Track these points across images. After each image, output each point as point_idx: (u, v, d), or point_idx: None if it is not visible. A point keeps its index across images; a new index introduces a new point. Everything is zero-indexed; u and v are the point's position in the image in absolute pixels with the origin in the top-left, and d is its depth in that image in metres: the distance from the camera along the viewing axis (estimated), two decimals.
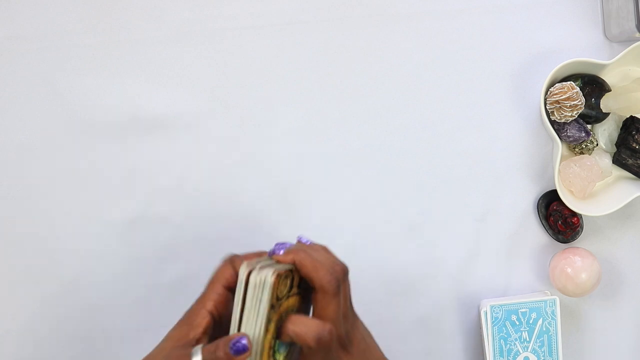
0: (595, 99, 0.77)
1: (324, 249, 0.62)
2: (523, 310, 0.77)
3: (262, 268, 0.57)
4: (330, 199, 0.80)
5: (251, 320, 0.56)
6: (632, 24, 0.74)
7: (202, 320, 0.58)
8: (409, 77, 0.80)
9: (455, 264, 0.81)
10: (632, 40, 0.77)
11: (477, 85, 0.80)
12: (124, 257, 0.80)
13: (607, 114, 0.78)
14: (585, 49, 0.80)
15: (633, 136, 0.77)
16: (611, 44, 0.80)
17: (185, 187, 0.80)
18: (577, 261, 0.77)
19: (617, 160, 0.78)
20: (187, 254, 0.80)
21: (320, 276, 0.58)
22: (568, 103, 0.74)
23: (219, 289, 0.59)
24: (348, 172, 0.80)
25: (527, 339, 0.77)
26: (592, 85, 0.77)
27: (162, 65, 0.80)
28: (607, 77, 0.78)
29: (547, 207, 0.80)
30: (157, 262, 0.80)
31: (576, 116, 0.76)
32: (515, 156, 0.81)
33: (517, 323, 0.77)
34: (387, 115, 0.80)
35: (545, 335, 0.77)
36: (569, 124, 0.77)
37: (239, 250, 0.63)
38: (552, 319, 0.77)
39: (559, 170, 0.77)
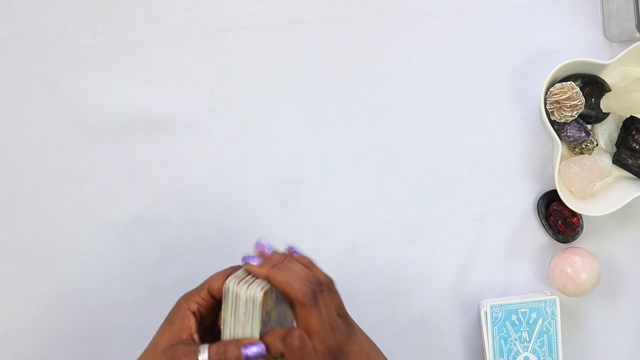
0: (595, 99, 0.77)
1: (306, 262, 0.62)
2: (523, 310, 0.77)
3: (249, 284, 0.58)
4: (330, 198, 0.80)
5: (240, 335, 0.58)
6: (632, 24, 0.74)
7: (189, 321, 0.59)
8: (409, 77, 0.80)
9: (455, 263, 0.81)
10: (632, 40, 0.77)
11: (477, 85, 0.80)
12: (124, 257, 0.80)
13: (607, 114, 0.78)
14: (585, 49, 0.80)
15: (633, 136, 0.77)
16: (611, 44, 0.80)
17: (185, 187, 0.80)
18: (577, 261, 0.77)
19: (617, 160, 0.78)
20: (187, 254, 0.80)
21: (295, 290, 0.58)
22: (568, 103, 0.74)
23: (204, 294, 0.60)
24: (348, 172, 0.80)
25: (527, 339, 0.77)
26: (592, 85, 0.77)
27: (162, 65, 0.80)
28: (607, 77, 0.78)
29: (547, 207, 0.80)
30: (157, 263, 0.80)
31: (576, 116, 0.76)
32: (515, 156, 0.81)
33: (517, 323, 0.77)
34: (387, 115, 0.80)
35: (545, 335, 0.77)
36: (569, 124, 0.77)
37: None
38: (552, 319, 0.77)
39: (559, 170, 0.77)
